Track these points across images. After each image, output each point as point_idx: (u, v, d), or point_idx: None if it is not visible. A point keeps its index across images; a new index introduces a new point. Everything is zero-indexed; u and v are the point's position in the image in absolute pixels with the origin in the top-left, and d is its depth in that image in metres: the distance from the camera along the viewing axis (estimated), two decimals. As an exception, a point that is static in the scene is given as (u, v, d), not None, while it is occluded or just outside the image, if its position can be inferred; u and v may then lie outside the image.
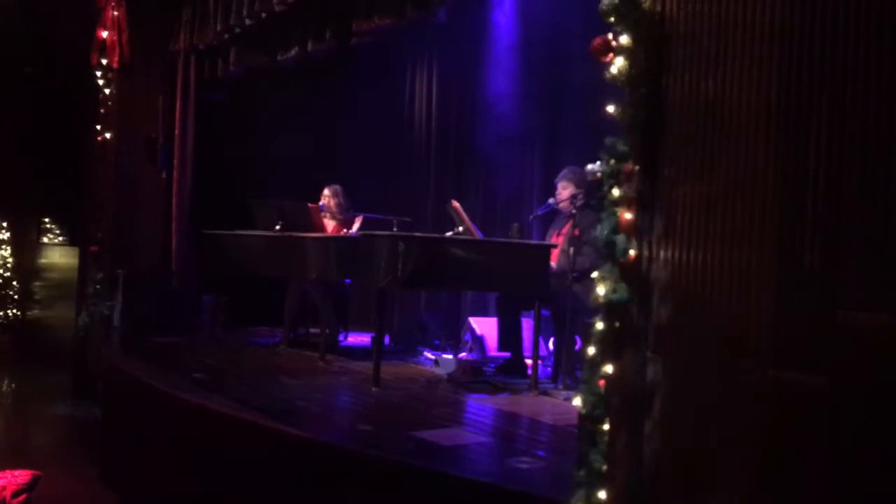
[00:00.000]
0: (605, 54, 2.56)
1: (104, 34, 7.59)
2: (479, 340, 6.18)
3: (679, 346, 2.34)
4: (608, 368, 2.45)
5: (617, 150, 2.49)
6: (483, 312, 6.84)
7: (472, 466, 3.37)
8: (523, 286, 5.18)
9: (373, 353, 5.10)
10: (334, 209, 6.69)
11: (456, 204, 5.66)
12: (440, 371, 5.60)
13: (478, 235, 5.56)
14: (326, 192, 6.74)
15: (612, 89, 2.52)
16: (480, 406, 4.64)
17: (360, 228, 6.45)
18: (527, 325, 5.72)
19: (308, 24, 6.70)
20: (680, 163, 2.37)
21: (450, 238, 5.35)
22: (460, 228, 5.59)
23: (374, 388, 4.86)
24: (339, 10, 6.44)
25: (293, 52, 6.88)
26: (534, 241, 5.99)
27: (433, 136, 8.00)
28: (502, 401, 4.81)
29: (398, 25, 6.16)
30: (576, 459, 2.58)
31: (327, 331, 6.26)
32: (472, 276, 5.04)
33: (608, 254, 2.49)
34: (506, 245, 5.35)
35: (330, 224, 6.66)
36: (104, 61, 7.66)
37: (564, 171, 5.55)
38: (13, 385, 8.95)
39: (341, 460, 3.50)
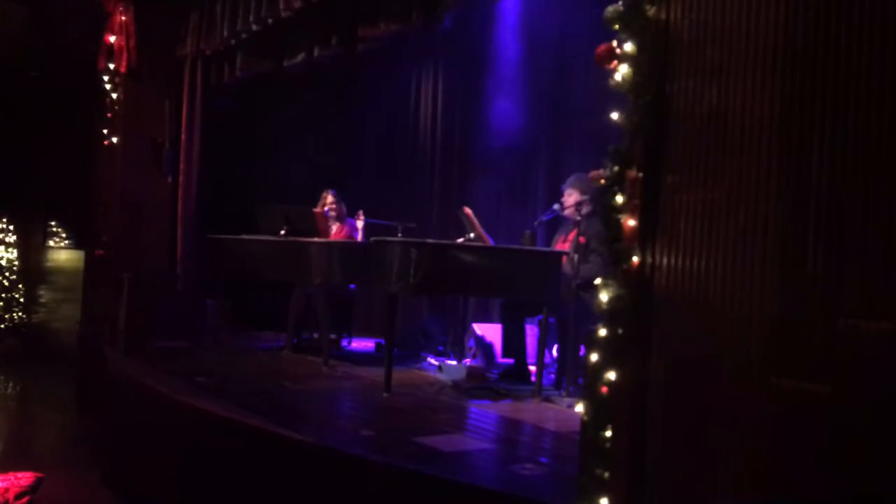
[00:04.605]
0: (610, 61, 2.58)
1: (112, 39, 7.63)
2: (482, 347, 6.17)
3: (682, 354, 2.34)
4: (611, 375, 2.45)
5: (621, 156, 2.50)
6: (486, 318, 6.83)
7: (474, 472, 3.37)
8: (534, 293, 5.17)
9: (380, 358, 5.09)
10: (344, 212, 6.79)
11: (468, 210, 5.67)
12: (443, 377, 5.59)
13: (489, 242, 5.56)
14: (330, 197, 6.81)
15: (617, 96, 2.53)
16: (483, 412, 4.64)
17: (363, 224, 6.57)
18: (530, 331, 5.71)
19: (314, 30, 6.72)
20: (683, 170, 2.38)
21: (461, 245, 5.35)
22: (472, 235, 5.60)
23: (385, 394, 4.84)
24: (345, 16, 6.45)
25: (299, 57, 6.90)
26: (545, 249, 5.98)
27: (438, 142, 8.01)
28: (505, 407, 4.81)
29: (404, 32, 6.18)
30: (578, 466, 2.59)
31: (332, 336, 6.26)
32: (484, 282, 5.04)
33: (611, 260, 2.50)
34: (517, 252, 5.34)
35: (334, 227, 6.71)
36: (112, 66, 7.69)
37: (570, 179, 5.56)
38: (18, 388, 8.97)
39: (344, 465, 3.50)
